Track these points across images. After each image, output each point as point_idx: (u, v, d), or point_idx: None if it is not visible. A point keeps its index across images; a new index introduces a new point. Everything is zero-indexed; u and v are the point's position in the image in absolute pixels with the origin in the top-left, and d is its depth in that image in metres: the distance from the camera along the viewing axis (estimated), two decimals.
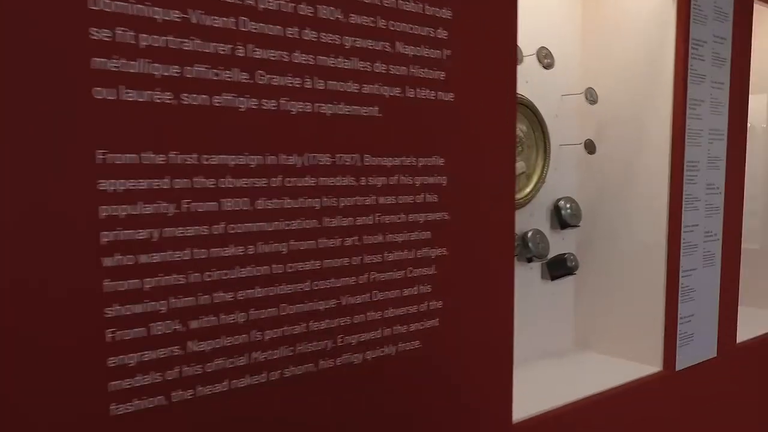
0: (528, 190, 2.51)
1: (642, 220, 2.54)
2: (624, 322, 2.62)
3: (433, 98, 1.63)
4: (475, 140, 1.73)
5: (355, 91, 1.48)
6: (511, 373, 1.89)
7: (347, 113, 1.47)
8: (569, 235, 2.70)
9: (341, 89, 1.46)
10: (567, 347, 2.75)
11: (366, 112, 1.51)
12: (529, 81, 2.50)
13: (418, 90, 1.59)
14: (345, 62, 1.46)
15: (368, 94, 1.51)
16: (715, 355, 2.68)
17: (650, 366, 2.50)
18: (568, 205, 2.60)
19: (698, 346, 2.57)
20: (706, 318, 2.61)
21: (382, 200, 1.55)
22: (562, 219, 2.60)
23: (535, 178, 2.53)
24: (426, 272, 1.65)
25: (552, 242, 2.62)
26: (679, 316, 2.47)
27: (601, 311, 2.70)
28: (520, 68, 2.41)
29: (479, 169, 1.75)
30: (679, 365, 2.49)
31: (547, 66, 2.41)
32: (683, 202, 2.43)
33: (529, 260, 2.50)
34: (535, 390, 2.26)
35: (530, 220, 2.55)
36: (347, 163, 1.48)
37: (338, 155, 1.47)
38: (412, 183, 1.60)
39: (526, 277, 2.57)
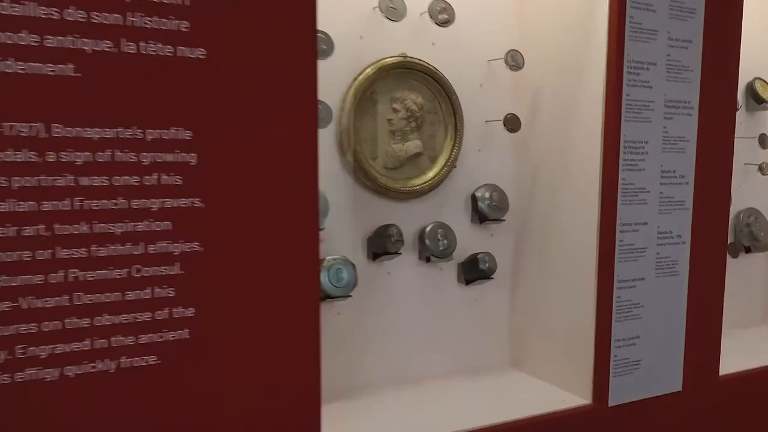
0: (431, 174, 2.09)
1: (574, 216, 2.04)
2: (555, 341, 2.13)
3: (169, 54, 1.29)
4: (246, 110, 1.37)
5: (34, 44, 1.19)
6: (318, 411, 1.51)
7: (21, 71, 1.18)
8: (500, 232, 2.24)
9: (9, 41, 1.17)
10: (494, 365, 2.29)
11: (52, 71, 1.20)
12: (437, 43, 2.07)
13: (142, 44, 1.27)
14: (15, 7, 1.17)
15: (56, 48, 1.20)
16: (680, 389, 2.12)
17: (578, 397, 2.01)
18: (487, 195, 2.15)
19: (647, 377, 2.03)
20: (664, 342, 2.06)
21: (84, 181, 1.25)
22: (479, 211, 2.15)
23: (441, 161, 2.10)
24: (165, 272, 1.33)
25: (471, 239, 2.18)
26: (613, 337, 1.95)
27: (534, 325, 2.23)
28: (418, 27, 2.01)
29: (255, 147, 1.39)
30: (613, 399, 1.97)
31: (443, 23, 1.97)
32: (618, 194, 1.91)
33: (428, 259, 2.09)
34: (429, 414, 1.88)
35: (438, 211, 2.13)
36: (23, 134, 1.19)
37: (6, 124, 1.18)
38: (136, 161, 1.28)
39: (434, 279, 2.15)
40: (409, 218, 2.08)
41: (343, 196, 1.97)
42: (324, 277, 1.86)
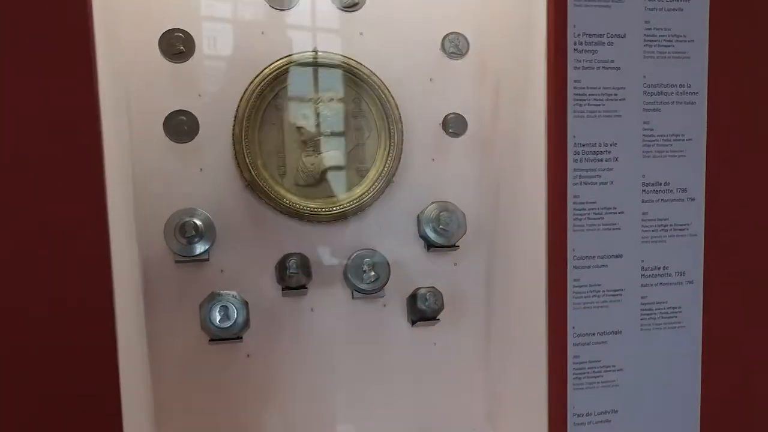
0: (359, 191, 1.71)
1: (524, 244, 1.56)
2: (519, 404, 1.65)
3: None
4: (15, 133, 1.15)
5: None
6: None
7: None
8: (465, 260, 1.79)
9: None
10: (459, 425, 1.84)
11: None
12: (365, 33, 1.70)
13: None
14: None
15: None
16: None
17: None
18: (433, 215, 1.72)
19: None
20: (661, 424, 1.49)
21: None
22: (423, 236, 1.73)
23: (372, 175, 1.72)
24: None
25: (423, 269, 1.77)
26: (571, 411, 1.44)
27: (505, 377, 1.75)
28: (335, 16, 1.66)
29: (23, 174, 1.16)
30: None
31: (347, 6, 1.59)
32: (568, 216, 1.40)
33: (353, 294, 1.71)
34: None
35: (377, 235, 1.75)
36: None
37: None
38: None
39: (374, 318, 1.77)
40: (336, 244, 1.73)
41: (245, 220, 1.68)
42: (205, 316, 1.59)
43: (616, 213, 1.43)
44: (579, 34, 1.37)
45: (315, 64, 1.66)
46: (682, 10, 1.42)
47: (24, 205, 1.15)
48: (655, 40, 1.41)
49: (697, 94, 1.44)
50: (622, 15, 1.39)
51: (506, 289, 1.71)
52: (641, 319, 1.46)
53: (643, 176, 1.43)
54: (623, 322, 1.45)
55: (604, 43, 1.39)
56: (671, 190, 1.45)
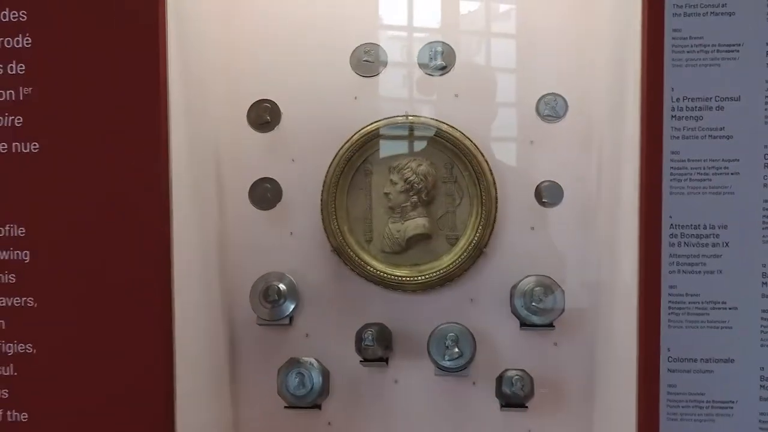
0: (447, 260, 1.62)
1: (619, 334, 1.35)
2: None
3: (2, 150, 1.27)
4: (82, 203, 1.27)
5: None
6: None
7: None
8: (566, 341, 1.61)
9: None
10: None
11: None
12: (460, 94, 1.63)
13: None
14: None
15: None
16: None
17: None
18: (526, 289, 1.56)
19: None
20: None
21: None
22: (516, 313, 1.58)
23: (462, 243, 1.62)
24: None
25: (517, 348, 1.62)
26: None
27: None
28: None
29: (87, 242, 1.27)
30: None
31: (436, 69, 1.52)
32: (662, 308, 1.18)
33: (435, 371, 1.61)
34: None
35: (466, 308, 1.64)
36: None
37: None
38: None
39: (460, 397, 1.65)
40: (421, 316, 1.65)
41: (331, 285, 1.67)
42: (282, 382, 1.59)
43: (726, 309, 1.19)
44: (678, 99, 1.18)
45: (405, 129, 1.62)
46: None
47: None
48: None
49: None
50: (735, 74, 1.17)
51: (607, 380, 1.51)
52: None
53: (764, 266, 1.18)
54: None
55: (711, 108, 1.17)
56: None
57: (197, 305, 1.49)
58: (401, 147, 1.64)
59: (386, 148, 1.64)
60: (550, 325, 1.57)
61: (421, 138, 1.63)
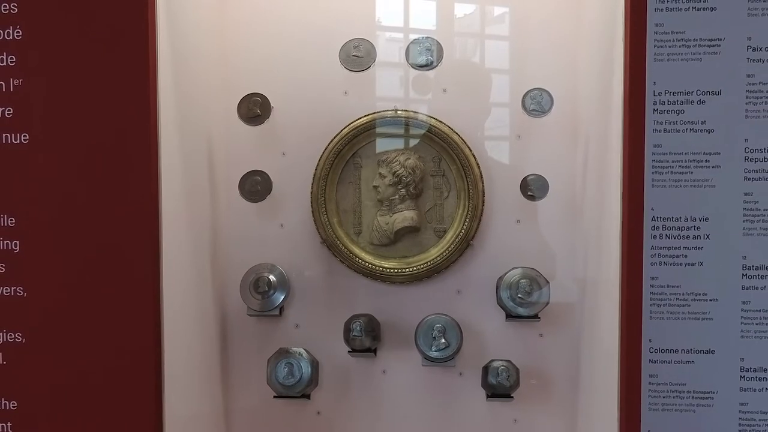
0: (434, 252, 1.64)
1: (602, 325, 1.37)
2: None
3: None
4: (72, 194, 1.28)
5: None
6: None
7: None
8: (551, 332, 1.63)
9: None
10: None
11: None
12: (448, 90, 1.64)
13: None
14: None
15: None
16: None
17: None
18: (512, 282, 1.58)
19: None
20: None
21: None
22: (501, 304, 1.60)
23: (449, 236, 1.64)
24: None
25: (503, 339, 1.64)
26: None
27: None
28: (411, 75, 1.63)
29: (77, 233, 1.28)
30: None
31: (422, 65, 1.53)
32: (644, 299, 1.20)
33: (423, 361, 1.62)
34: None
35: (454, 299, 1.65)
36: None
37: None
38: None
39: (447, 387, 1.67)
40: (409, 307, 1.66)
41: (320, 277, 1.69)
42: (271, 372, 1.60)
43: (706, 300, 1.20)
44: (660, 93, 1.19)
45: (394, 123, 1.63)
46: None
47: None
48: (762, 97, 1.18)
49: None
50: (716, 68, 1.18)
51: (592, 371, 1.53)
52: (740, 429, 1.21)
53: (744, 258, 1.19)
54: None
55: (692, 102, 1.19)
56: None
57: (188, 296, 1.51)
58: (390, 141, 1.66)
59: (376, 142, 1.65)
60: (536, 317, 1.58)
61: (410, 132, 1.64)
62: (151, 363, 1.27)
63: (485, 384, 1.59)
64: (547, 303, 1.58)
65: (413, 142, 1.64)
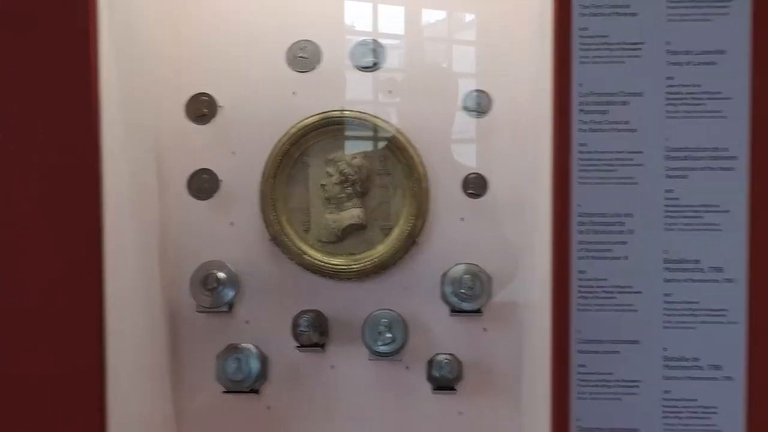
0: (381, 249, 1.67)
1: (537, 318, 1.42)
2: None
3: None
4: (12, 191, 1.29)
5: None
6: None
7: None
8: (498, 327, 1.68)
9: None
10: None
11: None
12: (393, 91, 1.68)
13: None
14: None
15: None
16: None
17: None
18: (455, 277, 1.62)
19: None
20: None
21: None
22: (445, 299, 1.64)
23: (395, 234, 1.67)
24: None
25: (450, 334, 1.68)
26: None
27: None
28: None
29: (18, 231, 1.29)
30: None
31: (365, 67, 1.57)
32: (572, 292, 1.25)
33: (369, 356, 1.66)
34: None
35: (401, 296, 1.69)
36: None
37: None
38: None
39: (394, 381, 1.71)
40: (356, 303, 1.70)
41: (270, 274, 1.71)
42: (220, 367, 1.63)
43: (631, 293, 1.26)
44: (585, 94, 1.24)
45: (340, 123, 1.67)
46: (714, 64, 1.23)
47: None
48: (681, 98, 1.23)
49: (735, 158, 1.24)
50: (638, 71, 1.23)
51: (532, 363, 1.57)
52: (663, 419, 1.26)
53: (666, 252, 1.25)
54: (641, 419, 1.27)
55: (616, 103, 1.24)
56: (702, 269, 1.25)
57: (135, 294, 1.52)
58: (337, 140, 1.69)
59: (322, 142, 1.68)
60: (478, 311, 1.63)
61: (355, 132, 1.67)
62: (93, 362, 1.29)
63: (430, 377, 1.63)
64: (490, 298, 1.63)
65: (359, 142, 1.68)
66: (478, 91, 1.55)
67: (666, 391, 1.26)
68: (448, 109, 1.64)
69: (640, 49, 1.24)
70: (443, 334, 1.68)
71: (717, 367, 1.26)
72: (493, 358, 1.69)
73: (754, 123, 1.23)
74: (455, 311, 1.64)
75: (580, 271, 1.26)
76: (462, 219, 1.68)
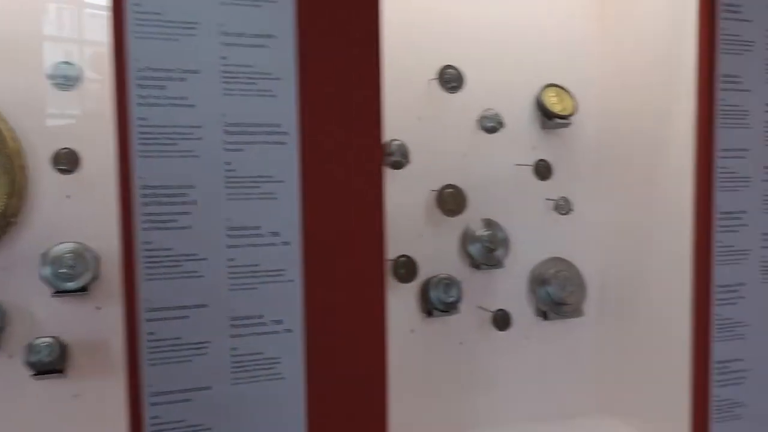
0: None
1: None
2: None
3: None
4: None
5: None
6: None
7: None
8: (112, 306, 1.66)
9: None
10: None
11: None
12: None
13: None
14: None
15: None
16: None
17: None
18: (56, 255, 1.58)
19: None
20: None
21: None
22: (48, 280, 1.59)
23: None
24: None
25: (57, 315, 1.62)
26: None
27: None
28: None
29: None
30: None
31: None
32: (138, 263, 1.29)
33: None
34: None
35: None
36: None
37: None
38: None
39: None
40: None
41: None
42: None
43: (197, 260, 1.33)
44: (142, 69, 1.28)
45: None
46: (265, 47, 1.35)
47: None
48: (236, 77, 1.33)
49: (287, 134, 1.37)
50: (193, 50, 1.30)
51: None
52: (232, 373, 1.37)
53: (228, 220, 1.35)
54: (211, 377, 1.36)
55: (174, 79, 1.30)
56: (262, 235, 1.37)
57: None
58: None
59: None
60: (83, 289, 1.60)
61: None
62: None
63: (27, 362, 1.56)
64: (98, 276, 1.60)
65: None
66: (65, 62, 1.51)
67: (233, 348, 1.37)
68: (37, 81, 1.57)
69: (194, 28, 1.30)
70: (49, 316, 1.63)
71: (278, 322, 1.39)
72: (107, 336, 1.67)
73: (302, 102, 1.38)
74: (59, 292, 1.59)
75: (146, 242, 1.30)
76: (68, 196, 1.63)
